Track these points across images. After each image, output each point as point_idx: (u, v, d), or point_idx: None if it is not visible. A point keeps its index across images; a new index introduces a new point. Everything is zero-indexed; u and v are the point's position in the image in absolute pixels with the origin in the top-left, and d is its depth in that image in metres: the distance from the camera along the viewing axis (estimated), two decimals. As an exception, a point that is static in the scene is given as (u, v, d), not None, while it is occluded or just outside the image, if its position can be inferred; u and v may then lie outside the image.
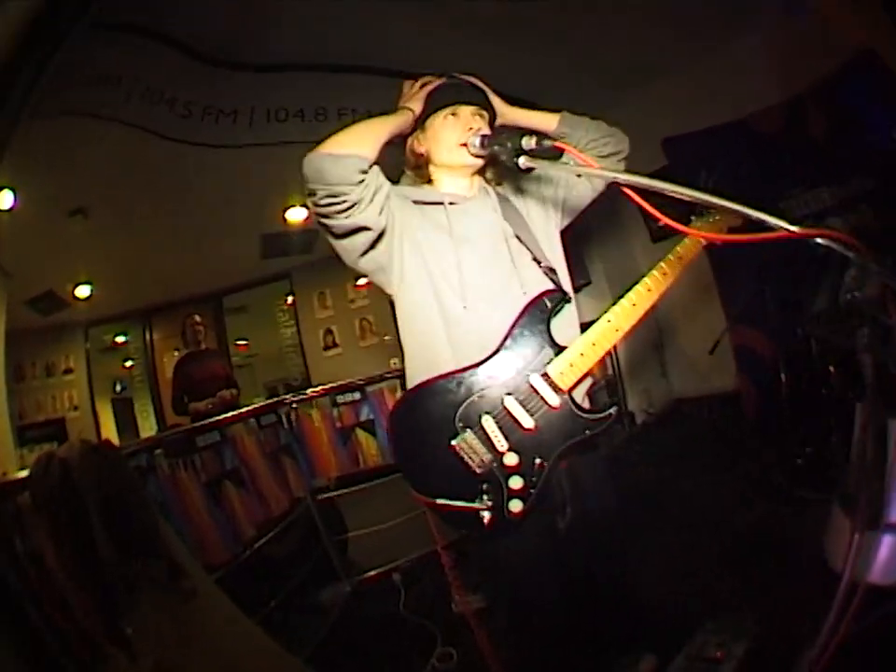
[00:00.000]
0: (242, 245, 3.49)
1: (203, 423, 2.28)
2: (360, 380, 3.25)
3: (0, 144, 1.08)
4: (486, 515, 1.20)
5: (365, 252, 1.32)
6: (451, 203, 1.43)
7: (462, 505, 1.21)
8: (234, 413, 2.57)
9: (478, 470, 1.22)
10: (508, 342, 1.28)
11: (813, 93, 3.01)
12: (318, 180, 1.19)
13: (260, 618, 2.16)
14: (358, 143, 1.24)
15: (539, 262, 1.41)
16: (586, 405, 1.35)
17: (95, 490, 1.17)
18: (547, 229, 1.52)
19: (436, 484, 1.23)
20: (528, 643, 1.55)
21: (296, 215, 3.42)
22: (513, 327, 1.29)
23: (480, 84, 1.48)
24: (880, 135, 2.73)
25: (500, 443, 1.22)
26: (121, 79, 2.32)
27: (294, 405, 2.97)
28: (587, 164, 1.14)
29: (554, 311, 1.34)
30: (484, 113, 1.45)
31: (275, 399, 2.95)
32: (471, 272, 1.34)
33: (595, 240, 4.11)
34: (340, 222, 1.24)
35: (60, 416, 2.18)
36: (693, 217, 1.54)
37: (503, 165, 1.33)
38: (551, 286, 1.38)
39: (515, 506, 1.21)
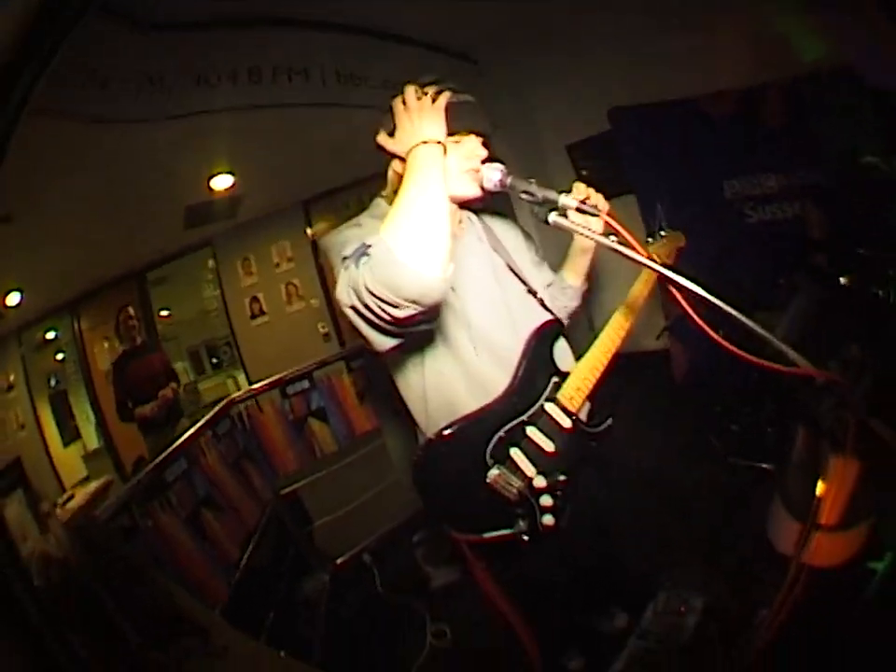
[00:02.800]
0: (166, 219, 3.31)
1: (168, 453, 2.23)
2: (306, 367, 3.32)
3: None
4: (524, 537, 1.36)
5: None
6: None
7: (503, 534, 1.37)
8: (193, 430, 2.52)
9: (513, 499, 1.35)
10: (519, 375, 1.40)
11: (780, 87, 3.15)
12: (395, 292, 1.03)
13: (269, 635, 2.27)
14: (438, 247, 1.06)
15: (531, 292, 1.52)
16: (585, 417, 1.51)
17: (101, 580, 1.19)
18: (530, 255, 1.61)
19: (476, 521, 1.38)
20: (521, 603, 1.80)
21: (221, 183, 3.27)
22: (522, 361, 1.41)
23: (475, 101, 1.37)
24: (837, 151, 2.95)
25: (529, 470, 1.36)
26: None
27: (243, 403, 3.00)
28: (630, 245, 1.10)
29: (554, 341, 1.50)
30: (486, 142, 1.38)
31: (225, 401, 2.94)
32: (476, 315, 1.39)
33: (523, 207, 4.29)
34: (403, 329, 1.13)
35: (15, 457, 2.03)
36: (649, 240, 1.78)
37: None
38: (546, 315, 1.51)
39: (548, 520, 1.38)
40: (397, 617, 2.54)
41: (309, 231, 4.29)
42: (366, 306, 1.07)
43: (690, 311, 1.10)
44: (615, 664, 1.89)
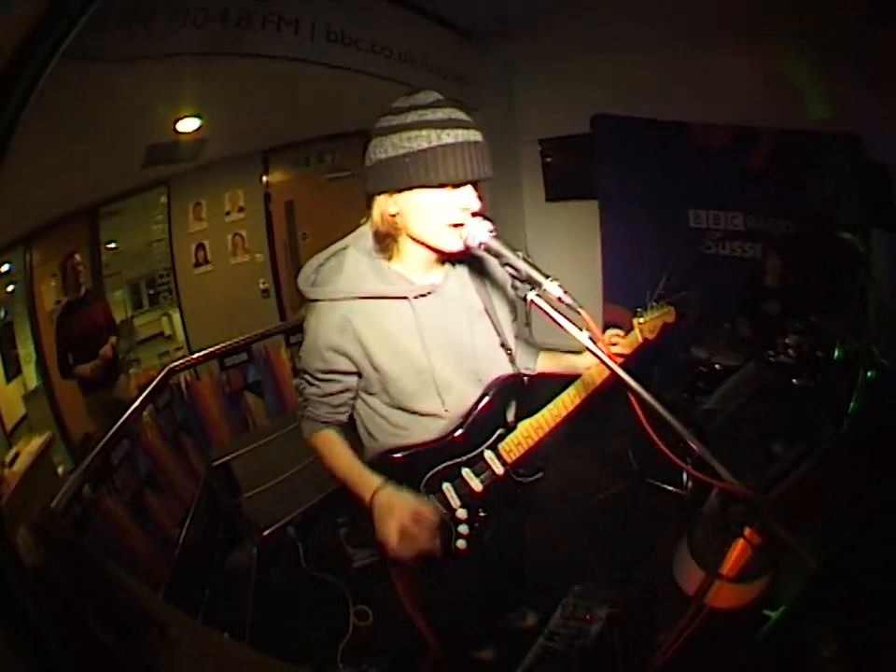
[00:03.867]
0: (126, 157, 3.11)
1: (113, 433, 2.19)
2: (245, 339, 3.29)
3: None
4: (438, 555, 1.46)
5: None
6: (422, 296, 1.38)
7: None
8: (136, 404, 2.46)
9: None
10: (468, 422, 1.48)
11: (774, 133, 3.24)
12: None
13: (206, 612, 2.34)
14: None
15: (503, 345, 1.53)
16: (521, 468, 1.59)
17: (67, 580, 1.23)
18: (504, 303, 1.57)
19: None
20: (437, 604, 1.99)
21: (187, 125, 3.10)
22: (475, 409, 1.49)
23: (484, 141, 1.24)
24: (814, 209, 3.07)
25: (455, 503, 1.49)
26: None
27: (182, 371, 2.97)
28: (603, 350, 1.13)
29: (511, 396, 1.57)
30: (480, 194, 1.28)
31: (165, 370, 2.89)
32: (443, 372, 1.42)
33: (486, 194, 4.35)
34: None
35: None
36: (639, 310, 1.78)
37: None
38: (509, 368, 1.55)
39: (461, 545, 1.52)
40: (320, 594, 2.66)
41: (264, 179, 4.16)
42: None
43: (643, 419, 1.17)
44: (524, 661, 2.08)
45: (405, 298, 1.35)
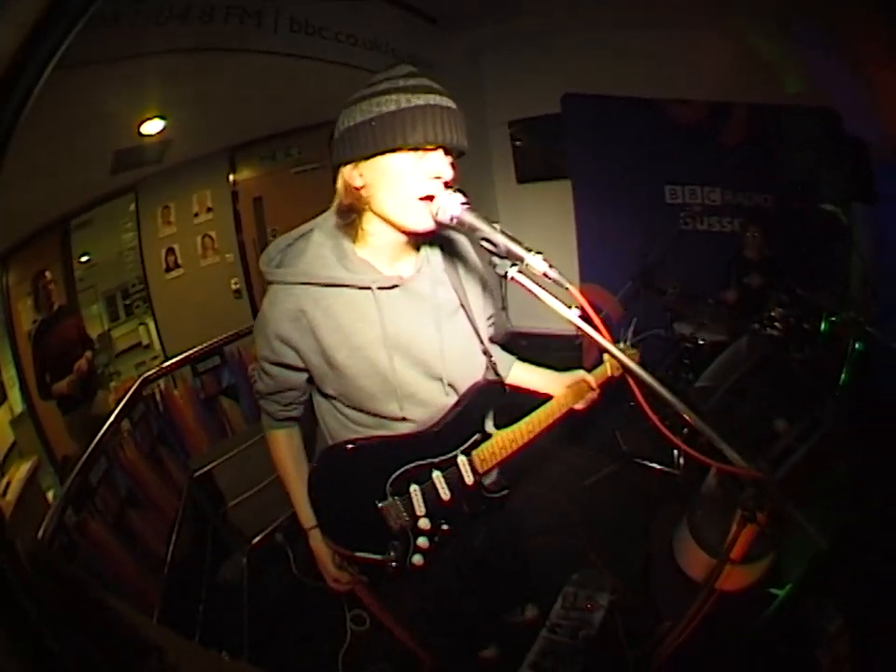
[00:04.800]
0: (93, 165, 3.02)
1: (90, 452, 2.09)
2: (216, 342, 3.27)
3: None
4: (392, 566, 1.40)
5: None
6: (387, 288, 1.27)
7: (373, 557, 1.39)
8: (111, 419, 2.38)
9: (394, 529, 1.38)
10: (448, 420, 1.41)
11: (747, 108, 3.22)
12: None
13: (202, 630, 2.26)
14: None
15: (480, 347, 1.46)
16: (489, 481, 1.53)
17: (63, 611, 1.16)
18: (481, 301, 1.50)
19: (352, 538, 1.39)
20: (432, 608, 1.96)
21: (151, 127, 2.99)
22: (455, 408, 1.41)
23: (456, 109, 1.15)
24: (792, 182, 3.08)
25: (420, 510, 1.39)
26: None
27: (156, 381, 2.90)
28: (595, 325, 1.07)
29: (492, 402, 1.51)
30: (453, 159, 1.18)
31: (139, 381, 2.81)
32: (405, 374, 1.33)
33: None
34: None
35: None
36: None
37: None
38: (483, 373, 1.48)
39: (418, 560, 1.41)
40: (315, 602, 2.57)
41: (231, 177, 4.04)
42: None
43: (640, 398, 1.11)
44: (529, 655, 2.03)
45: (368, 288, 1.24)
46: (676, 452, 2.95)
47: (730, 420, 2.39)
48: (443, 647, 2.07)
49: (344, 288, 1.24)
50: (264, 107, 3.46)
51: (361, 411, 1.36)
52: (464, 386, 1.42)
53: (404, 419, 1.36)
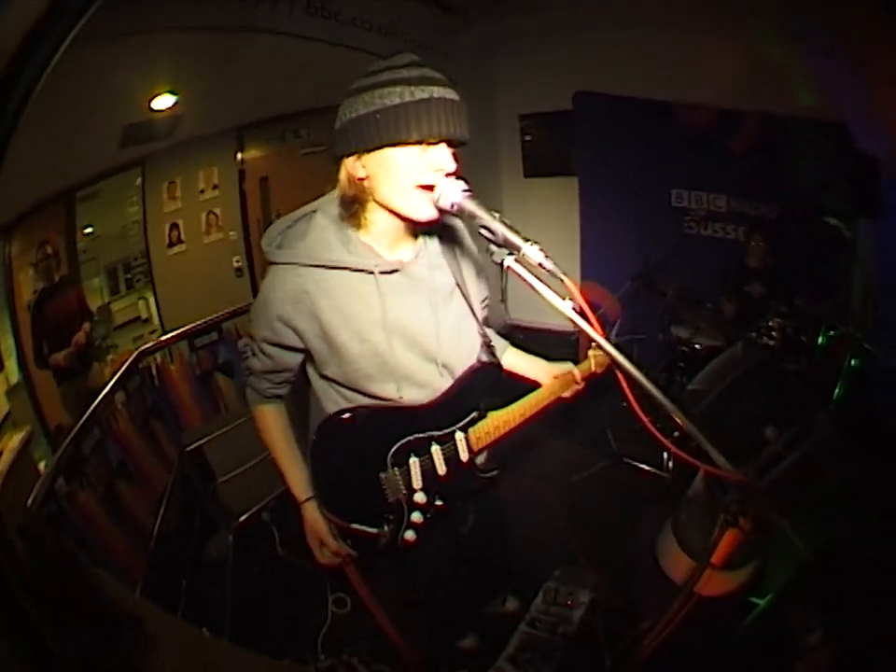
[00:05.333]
0: (102, 138, 3.02)
1: (83, 422, 2.09)
2: (215, 318, 3.25)
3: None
4: (384, 541, 1.42)
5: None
6: (388, 273, 1.29)
7: (366, 530, 1.41)
8: (106, 390, 2.38)
9: (390, 502, 1.41)
10: (447, 398, 1.43)
11: (759, 117, 3.20)
12: None
13: (184, 605, 2.25)
14: None
15: (477, 329, 1.49)
16: (481, 460, 1.56)
17: (49, 582, 1.16)
18: (478, 286, 1.52)
19: (349, 510, 1.41)
20: (414, 593, 1.99)
21: (162, 103, 2.97)
22: (457, 384, 1.44)
23: (460, 101, 1.16)
24: (799, 193, 3.07)
25: (417, 482, 1.42)
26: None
27: (153, 354, 2.90)
28: (587, 318, 1.07)
29: (489, 383, 1.53)
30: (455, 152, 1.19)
31: (135, 353, 2.80)
32: (403, 357, 1.35)
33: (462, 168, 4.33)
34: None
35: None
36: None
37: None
38: (479, 356, 1.51)
39: (410, 536, 1.44)
40: (298, 582, 2.57)
41: (239, 156, 4.02)
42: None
43: (630, 396, 1.10)
44: (507, 648, 2.04)
45: (370, 272, 1.26)
46: (666, 455, 2.96)
47: (720, 424, 2.39)
48: (423, 635, 2.08)
49: (347, 271, 1.25)
50: (275, 88, 3.46)
51: (359, 392, 1.37)
52: (459, 368, 1.46)
53: (401, 399, 1.37)
